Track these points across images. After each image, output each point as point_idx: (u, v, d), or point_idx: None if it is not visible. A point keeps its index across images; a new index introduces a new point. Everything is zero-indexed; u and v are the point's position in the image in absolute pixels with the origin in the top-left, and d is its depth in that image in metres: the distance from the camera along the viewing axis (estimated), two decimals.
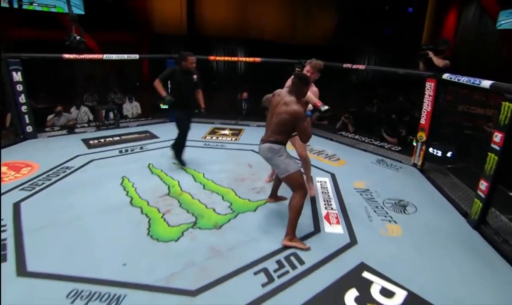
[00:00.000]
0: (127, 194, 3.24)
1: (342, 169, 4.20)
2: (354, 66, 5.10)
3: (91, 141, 4.99)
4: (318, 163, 4.35)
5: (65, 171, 3.75)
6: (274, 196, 3.18)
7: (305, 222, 2.83)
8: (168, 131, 5.69)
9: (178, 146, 3.92)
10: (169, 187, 3.43)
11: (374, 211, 3.10)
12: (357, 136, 5.73)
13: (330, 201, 3.25)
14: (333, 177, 3.90)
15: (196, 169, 3.95)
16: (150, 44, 10.87)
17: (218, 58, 7.36)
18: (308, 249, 2.45)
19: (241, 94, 7.68)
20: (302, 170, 2.97)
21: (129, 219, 2.79)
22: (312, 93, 3.30)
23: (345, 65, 5.13)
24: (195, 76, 3.75)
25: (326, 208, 3.10)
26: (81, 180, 3.53)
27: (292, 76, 2.62)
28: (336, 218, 2.93)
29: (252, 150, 4.65)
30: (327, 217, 2.94)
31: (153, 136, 5.45)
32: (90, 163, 4.06)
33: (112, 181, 3.53)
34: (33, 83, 5.27)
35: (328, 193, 3.45)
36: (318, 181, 3.73)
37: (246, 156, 4.49)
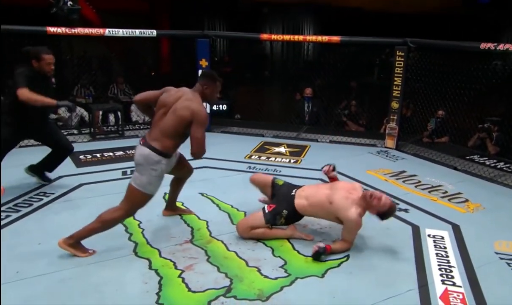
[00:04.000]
0: (129, 238, 3.41)
1: (474, 218, 4.07)
2: (501, 47, 5.01)
3: (81, 157, 5.39)
4: (431, 205, 4.25)
5: (41, 199, 4.07)
6: (171, 207, 3.78)
7: (404, 301, 2.75)
8: None
9: None
10: (193, 230, 3.58)
11: None
12: (501, 164, 5.57)
13: (451, 271, 3.14)
14: (456, 230, 3.78)
15: (234, 205, 4.06)
16: (170, 14, 11.44)
17: (274, 36, 7.54)
18: (90, 254, 3.02)
19: (302, 90, 7.71)
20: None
21: (130, 275, 2.92)
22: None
23: (483, 46, 5.08)
24: (53, 81, 4.14)
25: (443, 282, 3.00)
26: (63, 213, 3.80)
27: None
28: (463, 301, 2.82)
29: (322, 179, 4.67)
30: (445, 298, 2.84)
31: None
32: (78, 188, 4.38)
33: None
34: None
35: (447, 256, 3.34)
36: (429, 235, 3.63)
37: None
